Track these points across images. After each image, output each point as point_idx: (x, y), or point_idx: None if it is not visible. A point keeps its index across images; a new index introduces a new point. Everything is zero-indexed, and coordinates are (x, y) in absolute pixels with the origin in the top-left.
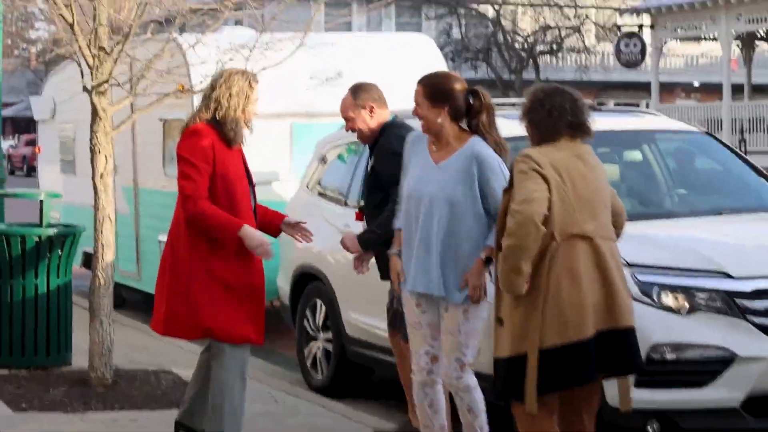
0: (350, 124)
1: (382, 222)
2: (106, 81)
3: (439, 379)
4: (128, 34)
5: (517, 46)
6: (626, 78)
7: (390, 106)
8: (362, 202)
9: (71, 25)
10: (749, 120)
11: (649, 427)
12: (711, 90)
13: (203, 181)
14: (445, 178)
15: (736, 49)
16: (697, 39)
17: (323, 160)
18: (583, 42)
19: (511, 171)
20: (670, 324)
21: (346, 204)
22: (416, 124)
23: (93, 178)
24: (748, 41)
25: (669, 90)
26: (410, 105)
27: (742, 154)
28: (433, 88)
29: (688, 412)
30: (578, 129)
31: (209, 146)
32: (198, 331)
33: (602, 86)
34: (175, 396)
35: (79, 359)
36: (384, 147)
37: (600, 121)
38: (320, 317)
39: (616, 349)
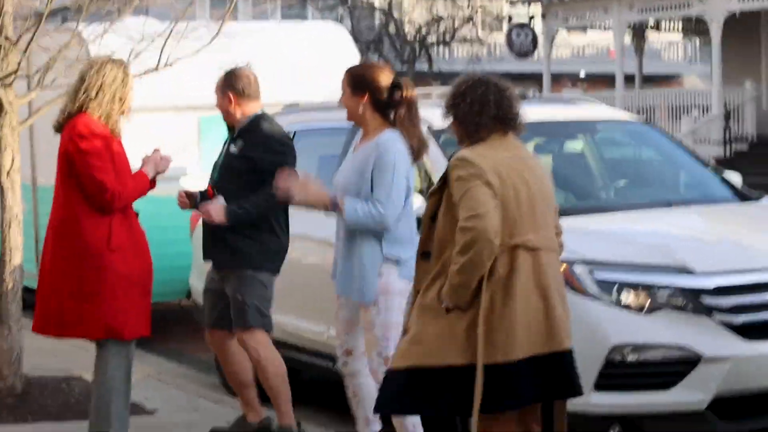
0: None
1: (257, 203)
2: (15, 72)
3: (360, 370)
4: (39, 22)
5: (408, 37)
6: (515, 69)
7: (303, 96)
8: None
9: None
10: (641, 109)
11: None
12: (597, 80)
13: (112, 168)
14: (348, 168)
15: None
16: (589, 29)
17: None
18: (477, 32)
19: (445, 175)
20: (631, 324)
21: None
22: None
23: None
24: (639, 31)
25: (556, 80)
26: (324, 95)
27: (684, 144)
28: (355, 77)
29: (652, 416)
30: (506, 123)
31: (107, 136)
32: (100, 330)
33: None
34: (89, 404)
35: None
36: (266, 137)
37: (538, 111)
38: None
39: (555, 373)
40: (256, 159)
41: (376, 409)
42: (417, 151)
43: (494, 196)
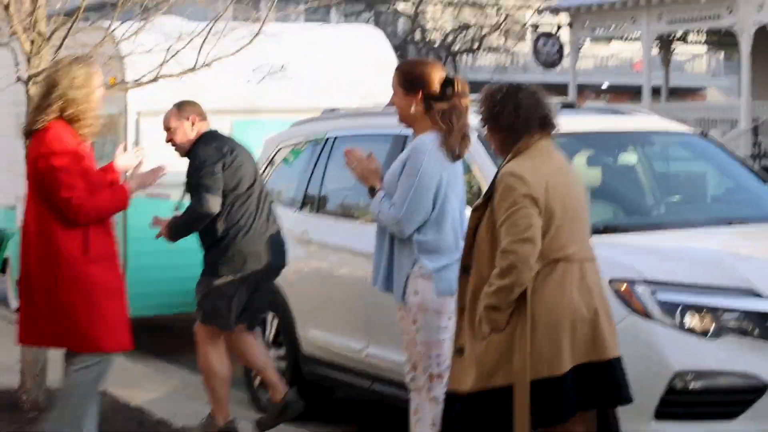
0: (170, 135)
1: (182, 218)
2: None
3: (422, 386)
4: (76, 17)
5: (434, 44)
6: (539, 79)
7: (340, 100)
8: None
9: (6, 6)
10: None
11: None
12: (620, 91)
13: (81, 183)
14: (390, 169)
15: (640, 52)
16: (617, 39)
17: (272, 160)
18: (505, 40)
19: (493, 186)
20: (695, 349)
21: (301, 208)
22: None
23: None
24: (666, 43)
25: (579, 91)
26: (361, 98)
27: (742, 158)
28: (407, 75)
29: None
30: (546, 127)
31: (77, 145)
32: (78, 342)
33: None
34: (116, 422)
35: (8, 378)
36: (191, 158)
37: (591, 121)
38: (271, 332)
39: (599, 382)
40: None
41: None
42: (459, 150)
43: (540, 214)
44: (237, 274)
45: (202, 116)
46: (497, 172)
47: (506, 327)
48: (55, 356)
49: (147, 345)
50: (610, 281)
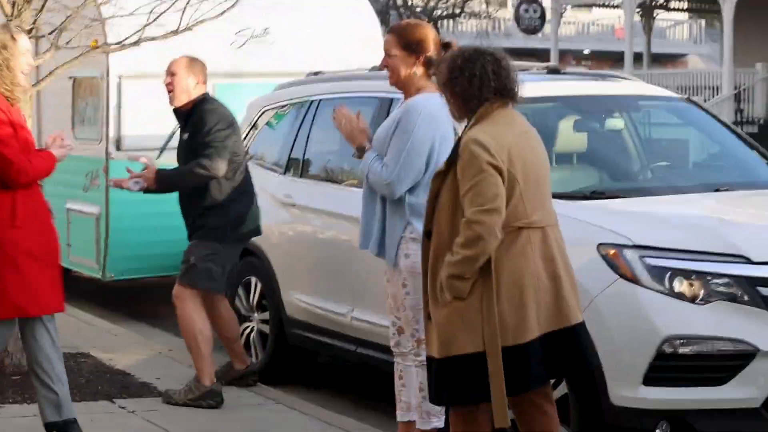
0: (172, 81)
1: (181, 173)
2: (29, 32)
3: (410, 351)
4: None
5: (417, 9)
6: (521, 45)
7: (324, 64)
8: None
9: None
10: None
11: (658, 430)
12: (602, 58)
13: (16, 144)
14: (380, 128)
15: (622, 18)
16: (598, 5)
17: (255, 124)
18: (487, 5)
19: (456, 152)
20: (684, 314)
21: (285, 172)
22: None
23: None
24: (648, 10)
25: (561, 57)
26: (345, 63)
27: (729, 124)
28: (408, 37)
29: (703, 413)
30: (506, 95)
31: (7, 109)
32: (8, 309)
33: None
34: (101, 385)
35: None
36: (203, 116)
37: (575, 86)
38: (255, 296)
39: (563, 349)
40: (192, 139)
41: (432, 401)
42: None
43: (503, 183)
44: (239, 238)
45: (204, 81)
46: (459, 138)
47: (471, 295)
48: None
49: (130, 308)
50: (599, 246)
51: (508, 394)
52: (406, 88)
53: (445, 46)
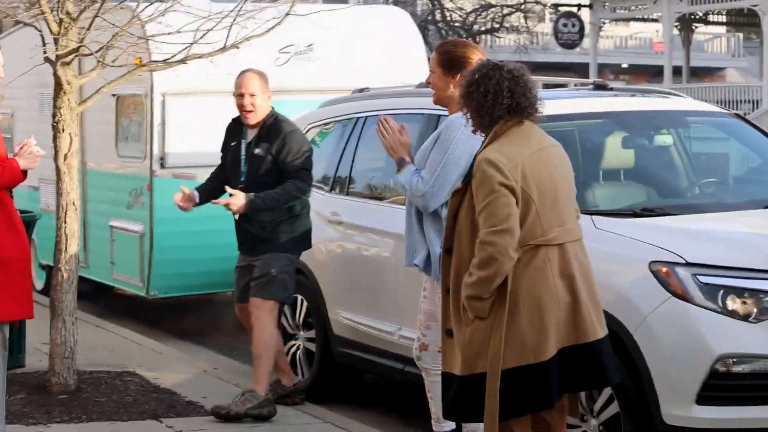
0: (252, 102)
1: (278, 197)
2: (76, 50)
3: (431, 368)
4: None
5: (456, 24)
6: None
7: (368, 81)
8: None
9: None
10: None
11: None
12: (640, 72)
13: None
14: (422, 146)
15: (660, 32)
16: (636, 20)
17: None
18: (526, 20)
19: (471, 171)
20: (737, 333)
21: (331, 190)
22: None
23: (55, 159)
24: (686, 23)
25: (599, 72)
26: (389, 79)
27: None
28: (447, 55)
29: None
30: (520, 112)
31: None
32: None
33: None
34: (147, 404)
35: (33, 360)
36: (291, 135)
37: (623, 102)
38: (301, 314)
39: (582, 365)
40: (276, 157)
41: (445, 416)
42: None
43: (517, 203)
44: (303, 250)
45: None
46: (474, 157)
47: (489, 314)
48: (83, 339)
49: (174, 327)
50: (651, 264)
51: (532, 411)
52: (448, 105)
53: None
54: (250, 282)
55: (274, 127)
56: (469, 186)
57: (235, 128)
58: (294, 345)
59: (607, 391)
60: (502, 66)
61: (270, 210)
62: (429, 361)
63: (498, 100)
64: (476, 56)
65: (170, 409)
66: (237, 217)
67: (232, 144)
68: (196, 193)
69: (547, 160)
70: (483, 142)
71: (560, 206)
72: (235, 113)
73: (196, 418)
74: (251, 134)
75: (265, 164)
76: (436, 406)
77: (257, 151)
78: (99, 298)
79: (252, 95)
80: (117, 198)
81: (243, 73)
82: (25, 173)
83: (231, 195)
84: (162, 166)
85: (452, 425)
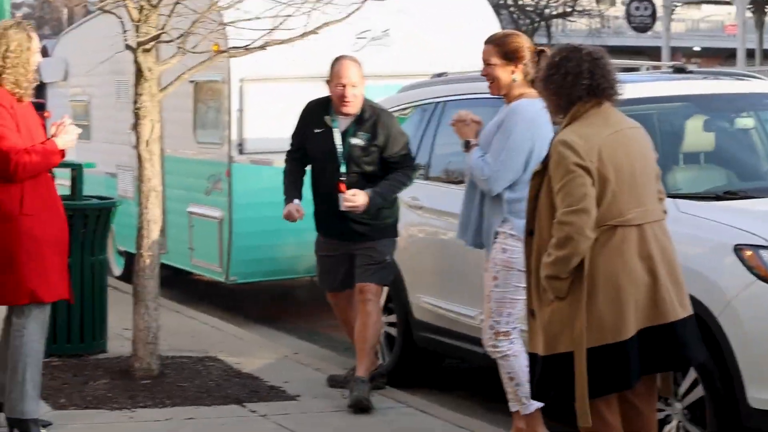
0: (354, 92)
1: (393, 188)
2: (157, 37)
3: (507, 350)
4: None
5: (528, 9)
6: (632, 43)
7: (445, 66)
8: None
9: None
10: None
11: None
12: (711, 55)
13: (16, 137)
14: (484, 131)
15: (732, 14)
16: (708, 2)
17: None
18: (598, 3)
19: (547, 156)
20: None
21: None
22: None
23: (137, 146)
24: (760, 5)
25: (671, 55)
26: (463, 65)
27: None
28: (505, 47)
29: None
30: (600, 94)
31: (9, 106)
32: (24, 295)
33: (610, 51)
34: (230, 388)
35: (114, 345)
36: (391, 124)
37: (703, 85)
38: (382, 299)
39: (662, 346)
40: (381, 146)
41: (532, 396)
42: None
43: (593, 183)
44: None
45: None
46: (552, 139)
47: (568, 294)
48: (164, 325)
49: (252, 312)
50: (736, 247)
51: (611, 391)
52: (507, 94)
53: (539, 53)
54: (350, 270)
55: (373, 115)
56: (547, 168)
57: (317, 114)
58: None
59: (692, 375)
60: (582, 48)
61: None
62: (489, 335)
63: (578, 81)
64: (526, 43)
65: (253, 393)
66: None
67: (317, 132)
68: (299, 203)
69: (625, 141)
70: (561, 125)
71: (638, 187)
72: (311, 98)
73: (279, 402)
74: (345, 122)
75: (368, 154)
76: (514, 387)
77: (356, 140)
78: (177, 283)
79: (353, 86)
80: (195, 184)
81: (340, 61)
82: (62, 153)
83: (351, 194)
84: (240, 152)
85: (537, 405)
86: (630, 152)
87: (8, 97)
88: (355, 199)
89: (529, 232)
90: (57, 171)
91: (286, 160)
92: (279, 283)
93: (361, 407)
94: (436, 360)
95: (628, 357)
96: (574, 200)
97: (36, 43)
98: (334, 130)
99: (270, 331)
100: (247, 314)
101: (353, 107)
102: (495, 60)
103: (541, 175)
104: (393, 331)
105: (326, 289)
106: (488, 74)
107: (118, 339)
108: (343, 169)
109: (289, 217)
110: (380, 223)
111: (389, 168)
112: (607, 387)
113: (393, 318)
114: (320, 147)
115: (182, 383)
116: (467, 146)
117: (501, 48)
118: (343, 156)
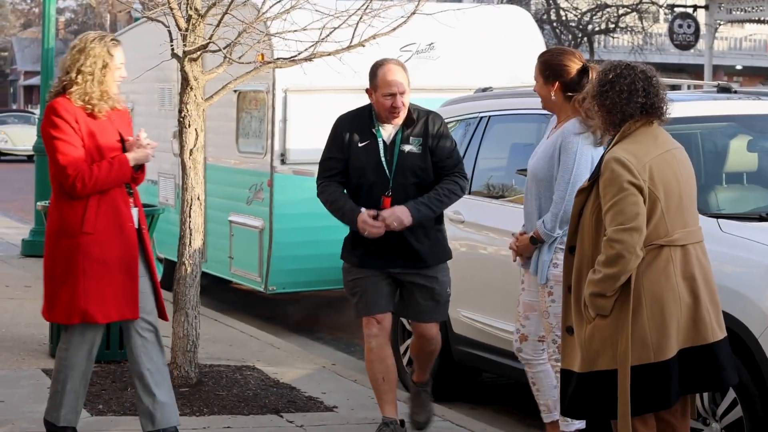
0: (402, 101)
1: (441, 199)
2: (204, 47)
3: (533, 359)
4: None
5: (571, 24)
6: (674, 60)
7: (489, 81)
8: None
9: None
10: None
11: None
12: (754, 73)
13: (79, 155)
14: (539, 154)
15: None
16: (752, 21)
17: None
18: (641, 20)
19: (599, 170)
20: None
21: None
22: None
23: (181, 154)
24: None
25: (713, 73)
26: (510, 80)
27: None
28: (546, 64)
29: None
30: (652, 112)
31: (72, 120)
32: (76, 314)
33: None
34: (267, 398)
35: None
36: (441, 125)
37: (748, 105)
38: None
39: (700, 366)
40: (437, 155)
41: (563, 413)
42: (600, 136)
43: (644, 202)
44: None
45: None
46: (603, 156)
47: (612, 312)
48: (205, 332)
49: (289, 322)
50: None
51: (651, 410)
52: (556, 112)
53: (583, 71)
54: (393, 290)
55: (421, 116)
56: (594, 185)
57: (359, 126)
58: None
59: (731, 395)
60: (635, 66)
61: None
62: (530, 351)
63: (633, 98)
64: (574, 63)
65: (290, 404)
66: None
67: (362, 146)
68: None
69: (673, 161)
70: (610, 142)
71: (684, 208)
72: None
73: (317, 413)
74: (390, 131)
75: (419, 162)
76: (543, 397)
77: (409, 147)
78: (215, 291)
79: (402, 93)
80: (236, 193)
81: (386, 66)
82: (138, 168)
83: (387, 210)
84: (282, 162)
85: (579, 424)
86: (677, 173)
87: (73, 110)
88: (394, 216)
89: (570, 250)
90: None
91: (323, 188)
92: (317, 294)
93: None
94: (474, 374)
95: (669, 376)
96: (626, 218)
97: (119, 59)
98: (379, 140)
99: (308, 342)
100: (285, 324)
101: (402, 115)
102: (537, 78)
103: (587, 192)
104: None
105: (366, 312)
106: (536, 91)
107: None
108: (391, 184)
109: (366, 227)
110: (435, 245)
111: (439, 175)
112: (647, 405)
113: None
114: (365, 162)
115: (220, 392)
116: (535, 242)
117: (542, 65)
118: (394, 167)
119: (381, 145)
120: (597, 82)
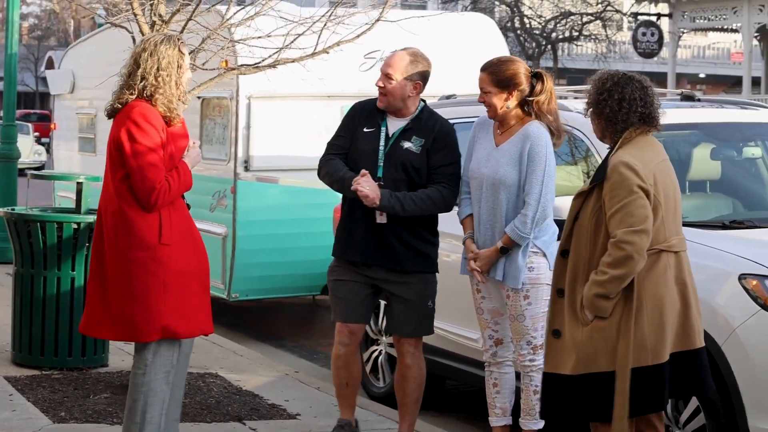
0: (386, 82)
1: (416, 202)
2: None
3: (505, 360)
4: (199, 1)
5: (535, 32)
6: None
7: (453, 88)
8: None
9: None
10: None
11: None
12: (717, 82)
13: (161, 164)
14: (500, 161)
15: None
16: (716, 30)
17: None
18: (605, 28)
19: (600, 174)
20: None
21: None
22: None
23: None
24: (766, 33)
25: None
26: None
27: None
28: (500, 74)
29: None
30: (650, 121)
31: (161, 129)
32: (156, 331)
33: None
34: (230, 405)
35: (115, 359)
36: (447, 141)
37: (712, 113)
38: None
39: (687, 371)
40: (433, 155)
41: (543, 415)
42: (555, 140)
43: (650, 206)
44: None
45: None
46: (606, 161)
47: (612, 314)
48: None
49: (253, 329)
50: (740, 277)
51: (645, 412)
52: (502, 121)
53: (535, 76)
54: (371, 301)
55: (431, 120)
56: (595, 188)
57: (371, 114)
58: (376, 350)
59: (694, 402)
60: (632, 76)
61: (412, 215)
62: (506, 353)
63: (633, 108)
64: (522, 69)
65: (253, 411)
66: (381, 220)
67: (366, 131)
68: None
69: (668, 170)
70: (610, 149)
71: (677, 216)
72: (318, 116)
73: (280, 421)
74: (397, 124)
75: (414, 161)
76: (501, 400)
77: (408, 144)
78: None
79: (387, 75)
80: (199, 200)
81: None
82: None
83: (365, 183)
84: (246, 168)
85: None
86: (673, 181)
87: (160, 120)
88: (367, 188)
89: (563, 253)
90: (63, 184)
91: (323, 162)
92: (280, 301)
93: None
94: (437, 382)
95: (663, 379)
96: (636, 221)
97: (188, 60)
98: (382, 130)
99: (271, 349)
100: (248, 331)
101: (383, 100)
102: (489, 88)
103: (585, 195)
104: (394, 351)
105: (341, 319)
106: (484, 101)
107: (119, 353)
108: (380, 173)
109: (360, 180)
110: (422, 252)
111: (431, 182)
112: (642, 407)
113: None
114: (364, 146)
115: (183, 399)
116: (505, 251)
117: (495, 76)
118: (385, 157)
119: (383, 135)
120: (594, 91)
